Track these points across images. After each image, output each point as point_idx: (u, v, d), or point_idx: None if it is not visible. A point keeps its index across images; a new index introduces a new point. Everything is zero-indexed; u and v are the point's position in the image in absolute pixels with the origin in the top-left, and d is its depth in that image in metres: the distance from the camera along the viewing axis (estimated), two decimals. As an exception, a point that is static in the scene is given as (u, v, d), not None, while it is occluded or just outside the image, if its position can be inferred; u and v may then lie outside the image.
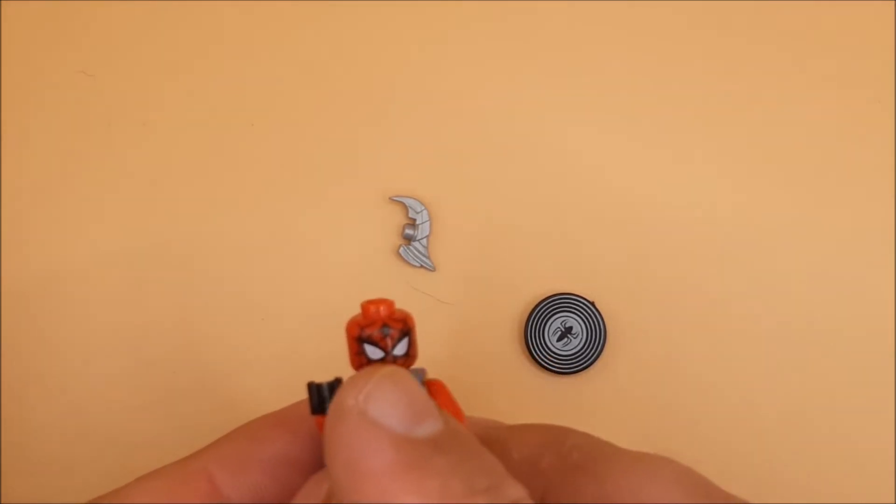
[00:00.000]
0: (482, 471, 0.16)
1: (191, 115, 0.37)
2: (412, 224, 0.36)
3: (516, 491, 0.16)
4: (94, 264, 0.36)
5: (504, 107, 0.37)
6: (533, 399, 0.36)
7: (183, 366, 0.36)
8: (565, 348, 0.36)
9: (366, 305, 0.19)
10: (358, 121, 0.37)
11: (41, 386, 0.36)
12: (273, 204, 0.36)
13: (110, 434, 0.36)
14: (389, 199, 0.36)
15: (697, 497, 0.18)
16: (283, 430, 0.21)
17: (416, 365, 0.20)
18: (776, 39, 0.37)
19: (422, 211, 0.36)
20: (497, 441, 0.20)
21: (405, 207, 0.36)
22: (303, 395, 0.23)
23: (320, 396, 0.19)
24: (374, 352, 0.19)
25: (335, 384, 0.19)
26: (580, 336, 0.36)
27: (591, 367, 0.36)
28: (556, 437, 0.20)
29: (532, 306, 0.36)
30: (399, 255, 0.36)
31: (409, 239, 0.36)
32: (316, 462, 0.21)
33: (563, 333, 0.35)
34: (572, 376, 0.36)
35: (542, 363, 0.35)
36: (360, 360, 0.19)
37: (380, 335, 0.19)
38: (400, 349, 0.19)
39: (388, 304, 0.19)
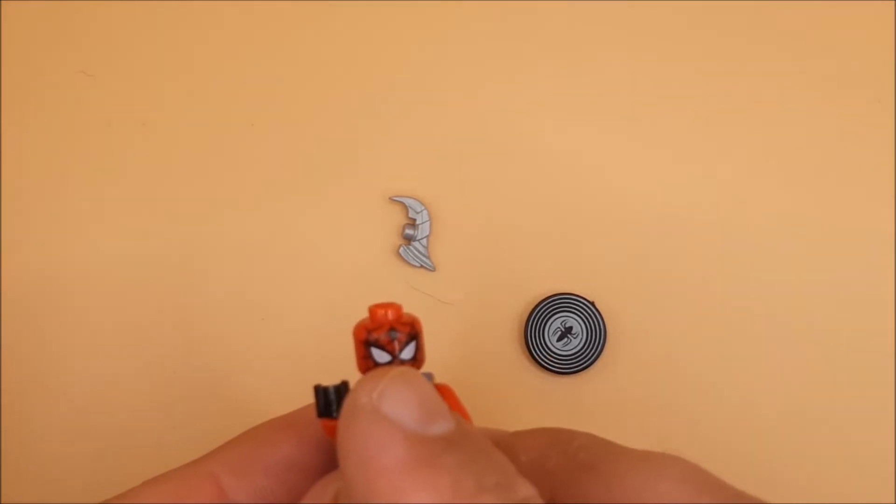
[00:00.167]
0: (493, 469, 0.17)
1: (191, 115, 0.37)
2: (412, 224, 0.36)
3: (526, 490, 0.17)
4: (94, 264, 0.36)
5: (504, 107, 0.37)
6: (533, 399, 0.36)
7: (182, 366, 0.36)
8: (565, 348, 0.36)
9: (373, 309, 0.19)
10: (358, 121, 0.37)
11: (41, 386, 0.36)
12: (273, 204, 0.36)
13: (110, 435, 0.36)
14: (389, 199, 0.36)
15: (707, 494, 0.18)
16: (291, 434, 0.21)
17: (424, 369, 0.20)
18: (776, 39, 0.37)
19: (422, 211, 0.36)
20: (504, 445, 0.20)
21: (405, 207, 0.36)
22: (304, 393, 0.23)
23: (326, 400, 0.19)
24: (381, 355, 0.19)
25: (342, 387, 0.19)
26: (580, 336, 0.36)
27: (591, 367, 0.36)
28: (561, 439, 0.20)
29: (532, 306, 0.36)
30: (399, 255, 0.36)
31: (409, 239, 0.36)
32: (323, 466, 0.21)
33: (563, 333, 0.35)
34: (572, 376, 0.36)
35: (542, 363, 0.35)
36: (367, 364, 0.19)
37: (387, 339, 0.19)
38: (407, 353, 0.19)
39: (396, 307, 0.19)
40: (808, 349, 0.36)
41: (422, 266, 0.36)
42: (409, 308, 0.20)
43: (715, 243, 0.36)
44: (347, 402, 0.18)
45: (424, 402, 0.17)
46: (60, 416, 0.36)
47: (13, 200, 0.36)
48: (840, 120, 0.37)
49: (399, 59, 0.37)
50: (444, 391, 0.20)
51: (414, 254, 0.36)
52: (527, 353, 0.36)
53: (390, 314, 0.19)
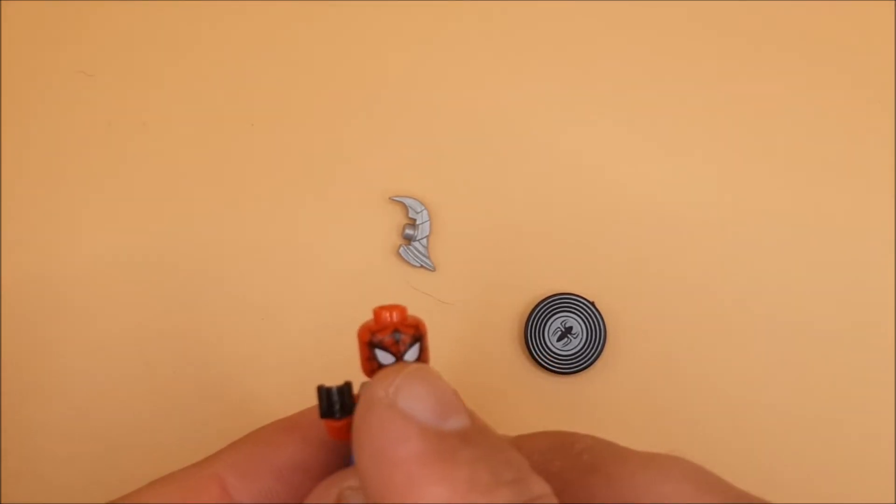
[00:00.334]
0: (509, 465, 0.17)
1: (191, 115, 0.37)
2: (412, 224, 0.36)
3: (541, 487, 0.17)
4: (94, 264, 0.36)
5: (504, 107, 0.37)
6: (533, 399, 0.36)
7: (183, 366, 0.36)
8: (565, 348, 0.36)
9: (378, 311, 0.19)
10: (358, 121, 0.37)
11: (41, 386, 0.36)
12: (273, 204, 0.36)
13: (111, 435, 0.36)
14: (389, 199, 0.36)
15: (711, 495, 0.18)
16: (295, 436, 0.21)
17: None
18: (776, 39, 0.37)
19: (422, 211, 0.36)
20: None
21: (405, 207, 0.36)
22: (304, 392, 0.23)
23: (329, 400, 0.19)
24: (385, 357, 0.19)
25: (345, 388, 0.19)
26: (580, 336, 0.36)
27: (591, 367, 0.36)
28: (564, 442, 0.20)
29: (532, 306, 0.36)
30: (399, 255, 0.36)
31: (409, 239, 0.36)
32: (326, 467, 0.21)
33: (563, 333, 0.35)
34: (572, 376, 0.36)
35: (542, 363, 0.35)
36: (371, 366, 0.19)
37: (391, 340, 0.19)
38: (411, 355, 0.19)
39: (401, 309, 0.19)
40: (808, 349, 0.36)
41: (422, 266, 0.36)
42: (409, 308, 0.20)
43: (715, 243, 0.36)
44: (364, 396, 0.18)
45: (441, 397, 0.17)
46: (60, 416, 0.36)
47: (13, 200, 0.36)
48: (840, 120, 0.37)
49: (399, 59, 0.37)
50: None
51: (414, 254, 0.36)
52: (527, 353, 0.36)
53: (395, 316, 0.19)
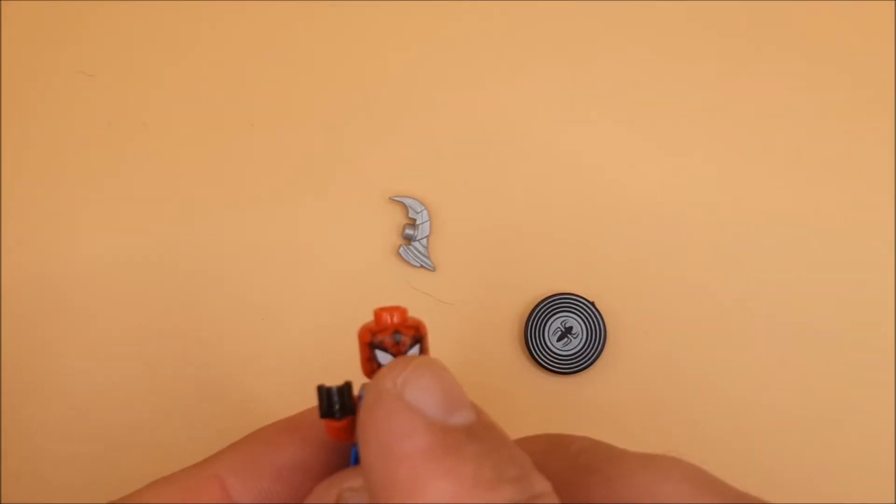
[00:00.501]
0: (513, 461, 0.17)
1: (191, 115, 0.37)
2: (412, 224, 0.36)
3: (543, 485, 0.17)
4: (94, 264, 0.36)
5: (504, 107, 0.37)
6: (533, 399, 0.36)
7: (182, 366, 0.36)
8: (565, 348, 0.36)
9: (378, 312, 0.19)
10: (358, 121, 0.37)
11: (41, 387, 0.36)
12: (273, 204, 0.36)
13: (111, 435, 0.36)
14: (389, 199, 0.36)
15: (709, 495, 0.18)
16: (295, 436, 0.21)
17: None
18: (776, 39, 0.37)
19: (422, 211, 0.36)
20: None
21: (405, 207, 0.36)
22: (304, 392, 0.23)
23: (329, 400, 0.19)
24: (385, 358, 0.19)
25: (345, 388, 0.19)
26: (580, 336, 0.36)
27: (591, 367, 0.36)
28: (561, 443, 0.20)
29: (532, 306, 0.36)
30: (399, 255, 0.36)
31: (409, 239, 0.36)
32: (326, 467, 0.21)
33: (563, 333, 0.35)
34: (572, 376, 0.36)
35: (542, 363, 0.35)
36: (371, 367, 0.19)
37: (391, 342, 0.19)
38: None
39: (401, 311, 0.19)
40: (808, 349, 0.36)
41: (422, 266, 0.36)
42: (409, 308, 0.20)
43: (715, 243, 0.36)
44: (371, 387, 0.18)
45: (448, 391, 0.17)
46: (60, 416, 0.36)
47: (13, 200, 0.36)
48: (840, 120, 0.37)
49: (399, 59, 0.37)
50: None
51: (414, 254, 0.36)
52: (527, 353, 0.36)
53: (395, 317, 0.19)
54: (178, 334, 0.36)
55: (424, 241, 0.36)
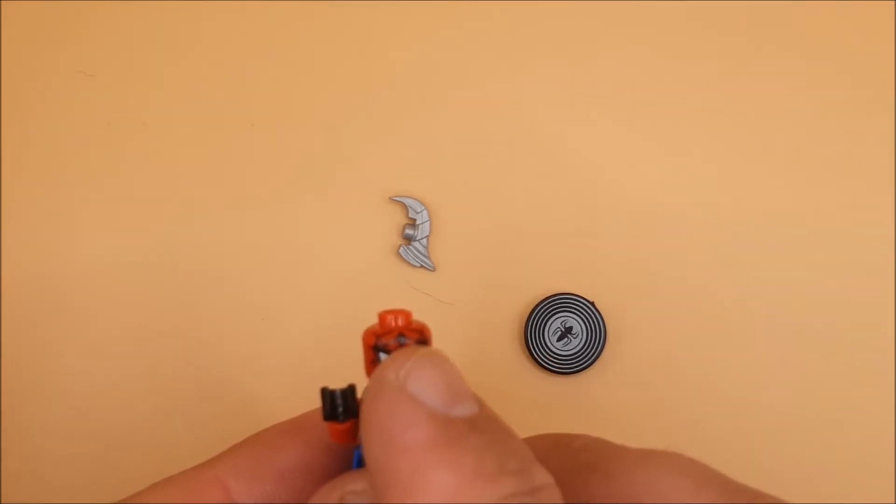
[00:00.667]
0: (514, 453, 0.17)
1: (191, 115, 0.37)
2: (412, 224, 0.36)
3: (544, 477, 0.17)
4: (94, 264, 0.36)
5: (504, 107, 0.37)
6: (533, 399, 0.36)
7: (182, 366, 0.36)
8: (565, 348, 0.36)
9: (383, 315, 0.19)
10: (358, 120, 0.37)
11: (41, 387, 0.36)
12: (273, 204, 0.36)
13: (111, 436, 0.36)
14: (389, 199, 0.36)
15: (709, 488, 0.18)
16: (297, 439, 0.21)
17: None
18: (777, 39, 0.37)
19: (422, 211, 0.36)
20: None
21: (405, 207, 0.36)
22: (304, 392, 0.23)
23: (333, 403, 0.19)
24: None
25: (349, 391, 0.19)
26: (580, 336, 0.36)
27: (591, 367, 0.36)
28: (562, 442, 0.20)
29: (532, 306, 0.36)
30: (399, 255, 0.36)
31: (409, 239, 0.36)
32: (329, 470, 0.21)
33: (563, 333, 0.35)
34: (572, 376, 0.36)
35: (542, 363, 0.35)
36: (374, 369, 0.19)
37: (396, 344, 0.19)
38: None
39: (406, 314, 0.19)
40: (808, 349, 0.36)
41: (422, 266, 0.36)
42: (409, 308, 0.20)
43: (715, 243, 0.36)
44: (374, 378, 0.18)
45: (450, 383, 0.17)
46: (60, 416, 0.36)
47: (13, 200, 0.36)
48: (840, 120, 0.37)
49: (399, 58, 0.37)
50: None
51: (414, 254, 0.36)
52: (527, 353, 0.36)
53: (399, 320, 0.19)
54: (178, 334, 0.36)
55: (424, 241, 0.36)
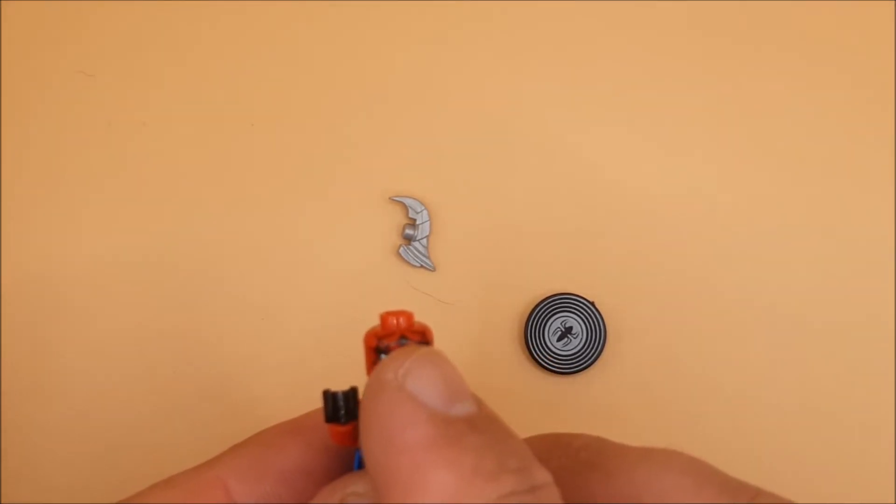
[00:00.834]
0: (513, 452, 0.17)
1: (191, 115, 0.37)
2: (412, 224, 0.36)
3: (543, 476, 0.17)
4: (94, 264, 0.36)
5: (504, 107, 0.37)
6: (533, 399, 0.36)
7: (182, 366, 0.36)
8: (565, 348, 0.36)
9: (385, 316, 0.19)
10: (358, 120, 0.37)
11: (41, 387, 0.36)
12: (273, 204, 0.36)
13: (111, 436, 0.36)
14: (389, 199, 0.36)
15: (710, 486, 0.18)
16: (298, 439, 0.21)
17: None
18: (777, 39, 0.37)
19: (422, 211, 0.36)
20: None
21: (405, 207, 0.36)
22: (304, 392, 0.23)
23: (335, 405, 0.19)
24: None
25: (351, 393, 0.19)
26: (580, 336, 0.36)
27: (591, 367, 0.36)
28: (562, 441, 0.21)
29: (532, 306, 0.36)
30: (399, 255, 0.36)
31: (409, 239, 0.36)
32: (329, 471, 0.21)
33: (563, 333, 0.35)
34: (572, 376, 0.36)
35: (542, 363, 0.35)
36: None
37: (397, 346, 0.19)
38: None
39: (408, 315, 0.19)
40: (808, 349, 0.36)
41: (422, 266, 0.36)
42: (409, 308, 0.20)
43: (715, 243, 0.36)
44: (372, 378, 0.18)
45: (449, 382, 0.17)
46: (60, 416, 0.36)
47: (13, 200, 0.36)
48: (840, 120, 0.37)
49: (399, 58, 0.37)
50: None
51: (414, 254, 0.36)
52: (527, 353, 0.36)
53: (402, 322, 0.19)
54: (178, 334, 0.36)
55: (424, 241, 0.36)
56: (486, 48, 0.37)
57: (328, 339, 0.36)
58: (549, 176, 0.37)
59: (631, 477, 0.19)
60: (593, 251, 0.36)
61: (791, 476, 0.36)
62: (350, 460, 0.20)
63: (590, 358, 0.36)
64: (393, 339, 0.19)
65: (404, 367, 0.17)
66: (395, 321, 0.19)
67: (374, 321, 0.19)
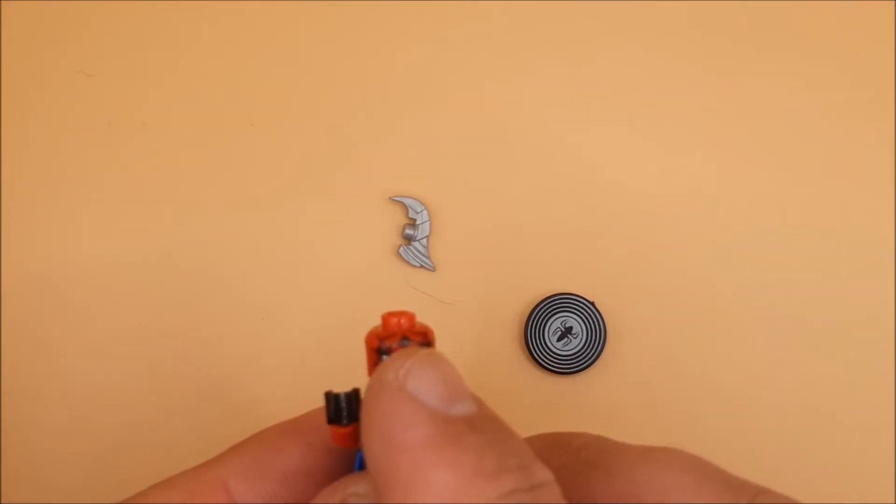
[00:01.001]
0: (514, 451, 0.17)
1: (191, 115, 0.37)
2: (412, 224, 0.36)
3: (544, 474, 0.17)
4: (94, 264, 0.36)
5: (504, 107, 0.37)
6: (533, 399, 0.36)
7: (182, 366, 0.36)
8: (565, 348, 0.36)
9: (386, 317, 0.19)
10: (358, 121, 0.37)
11: (41, 387, 0.36)
12: (273, 204, 0.36)
13: (111, 436, 0.36)
14: (389, 199, 0.36)
15: (710, 484, 0.18)
16: (299, 440, 0.21)
17: None
18: (777, 39, 0.37)
19: (422, 211, 0.36)
20: None
21: (405, 207, 0.36)
22: (306, 393, 0.23)
23: (337, 406, 0.19)
24: None
25: (353, 395, 0.19)
26: (580, 336, 0.36)
27: (591, 367, 0.36)
28: (563, 440, 0.21)
29: (532, 306, 0.36)
30: (399, 255, 0.36)
31: (409, 239, 0.36)
32: (330, 472, 0.21)
33: (563, 333, 0.35)
34: (572, 376, 0.36)
35: (542, 363, 0.35)
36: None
37: (399, 347, 0.19)
38: None
39: (410, 316, 0.19)
40: (808, 349, 0.36)
41: (422, 266, 0.36)
42: (409, 308, 0.20)
43: (715, 243, 0.36)
44: (373, 379, 0.18)
45: (449, 382, 0.17)
46: (60, 416, 0.36)
47: (13, 200, 0.36)
48: (840, 120, 0.37)
49: (399, 58, 0.37)
50: None
51: (414, 254, 0.36)
52: (527, 353, 0.36)
53: (403, 323, 0.19)
54: (178, 334, 0.36)
55: (424, 241, 0.36)
56: (486, 48, 0.37)
57: (328, 339, 0.36)
58: (549, 176, 0.37)
59: (632, 475, 0.19)
60: (593, 251, 0.36)
61: (791, 476, 0.36)
62: (351, 461, 0.20)
63: (590, 358, 0.36)
64: (395, 339, 0.19)
65: (405, 367, 0.17)
66: (397, 322, 0.19)
67: (375, 321, 0.19)
